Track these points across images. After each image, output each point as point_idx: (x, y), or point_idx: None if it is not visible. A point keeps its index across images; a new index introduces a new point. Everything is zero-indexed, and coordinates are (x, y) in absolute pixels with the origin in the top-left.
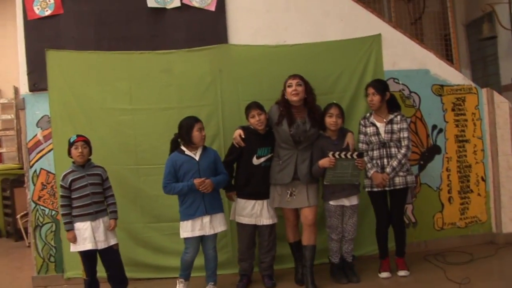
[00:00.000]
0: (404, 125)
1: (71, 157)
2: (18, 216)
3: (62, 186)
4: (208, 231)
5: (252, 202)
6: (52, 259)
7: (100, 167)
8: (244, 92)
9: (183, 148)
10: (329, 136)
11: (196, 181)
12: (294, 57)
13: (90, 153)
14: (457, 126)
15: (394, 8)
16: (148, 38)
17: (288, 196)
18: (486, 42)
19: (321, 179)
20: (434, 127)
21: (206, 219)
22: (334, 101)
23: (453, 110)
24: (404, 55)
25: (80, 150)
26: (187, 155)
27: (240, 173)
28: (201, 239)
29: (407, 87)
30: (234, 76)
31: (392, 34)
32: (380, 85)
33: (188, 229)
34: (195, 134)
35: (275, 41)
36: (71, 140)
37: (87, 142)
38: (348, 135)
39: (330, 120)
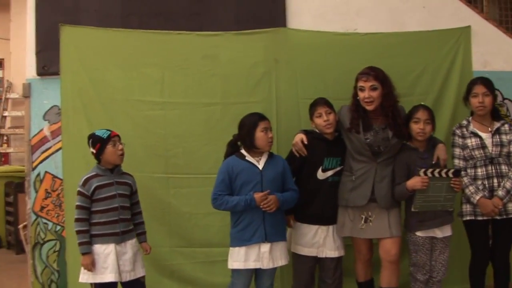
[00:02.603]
0: None
1: (100, 158)
2: (20, 226)
3: (81, 194)
4: (266, 264)
5: (314, 227)
6: (53, 285)
7: (130, 176)
8: (305, 89)
9: (243, 152)
10: (416, 148)
11: (257, 195)
12: (366, 49)
13: None
14: None
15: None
16: (188, 16)
17: (363, 222)
18: None
19: (403, 203)
20: None
21: (265, 248)
22: (422, 103)
23: None
24: (497, 53)
25: (121, 147)
26: (247, 161)
27: (300, 190)
28: (255, 273)
29: (500, 92)
30: (292, 68)
31: (483, 28)
32: (491, 84)
33: (240, 258)
34: (259, 135)
35: (344, 28)
36: (105, 135)
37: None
38: (439, 147)
39: (417, 127)
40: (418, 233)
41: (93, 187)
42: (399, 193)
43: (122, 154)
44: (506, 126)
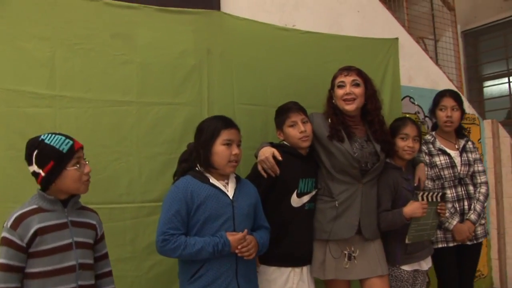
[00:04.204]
0: (478, 155)
1: (50, 184)
2: None
3: (9, 243)
4: None
5: (286, 271)
6: None
7: (93, 212)
8: (242, 91)
9: (204, 172)
10: (400, 167)
11: (233, 237)
12: (306, 48)
13: None
14: None
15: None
16: None
17: (346, 260)
18: None
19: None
20: None
21: None
22: (407, 115)
23: None
24: (419, 69)
25: (88, 168)
26: (212, 185)
27: (269, 222)
28: None
29: (422, 109)
30: (227, 63)
31: (408, 42)
32: (460, 98)
33: None
34: (219, 149)
35: (282, 22)
36: (65, 148)
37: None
38: (420, 167)
39: (404, 145)
40: (404, 267)
41: (32, 231)
42: (391, 222)
43: (89, 180)
44: (470, 144)
